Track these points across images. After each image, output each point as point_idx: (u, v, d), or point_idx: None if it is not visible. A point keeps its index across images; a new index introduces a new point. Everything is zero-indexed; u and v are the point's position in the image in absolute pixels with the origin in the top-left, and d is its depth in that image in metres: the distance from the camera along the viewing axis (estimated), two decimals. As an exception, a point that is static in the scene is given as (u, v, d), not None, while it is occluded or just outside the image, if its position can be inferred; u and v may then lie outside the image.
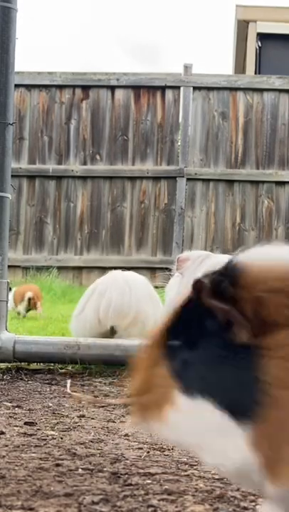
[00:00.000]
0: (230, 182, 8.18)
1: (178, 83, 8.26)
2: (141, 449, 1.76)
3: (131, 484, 1.44)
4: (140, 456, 1.68)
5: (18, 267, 8.10)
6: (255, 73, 11.58)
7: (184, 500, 1.34)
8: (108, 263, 8.06)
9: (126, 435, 1.92)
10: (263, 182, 8.15)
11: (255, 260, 0.93)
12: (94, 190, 8.27)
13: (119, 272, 3.21)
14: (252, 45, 11.85)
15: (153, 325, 2.92)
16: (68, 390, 2.59)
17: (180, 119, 8.34)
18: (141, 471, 1.55)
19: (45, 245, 8.24)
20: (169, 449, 1.77)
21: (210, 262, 2.37)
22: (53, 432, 1.91)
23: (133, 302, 2.92)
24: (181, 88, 8.26)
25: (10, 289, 3.76)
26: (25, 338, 3.12)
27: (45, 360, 2.85)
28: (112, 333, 2.92)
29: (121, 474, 1.51)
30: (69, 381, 2.64)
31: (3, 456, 1.63)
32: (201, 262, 2.38)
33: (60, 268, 8.01)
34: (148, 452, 1.72)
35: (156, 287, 8.62)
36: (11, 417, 2.12)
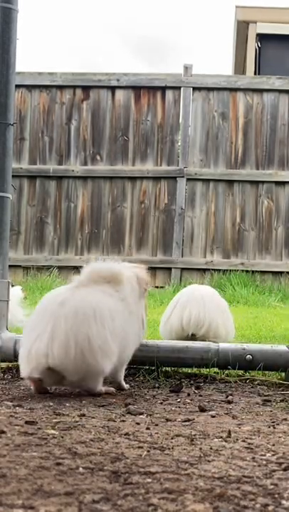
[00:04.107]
0: (230, 182, 8.18)
1: (178, 84, 8.26)
2: (141, 448, 1.77)
3: (131, 483, 1.45)
4: (140, 455, 1.68)
5: (19, 266, 8.10)
6: (255, 74, 11.58)
7: (184, 499, 1.35)
8: (108, 263, 8.05)
9: (126, 434, 1.92)
10: (263, 182, 8.15)
11: None
12: (94, 190, 8.27)
13: (196, 286, 3.93)
14: (252, 45, 11.85)
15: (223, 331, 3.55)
16: None
17: (180, 120, 8.35)
18: (141, 469, 1.55)
19: (45, 245, 8.25)
20: (169, 448, 1.77)
21: None
22: (53, 431, 1.91)
23: (207, 315, 3.60)
24: (181, 89, 8.27)
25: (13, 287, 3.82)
26: (25, 337, 3.12)
27: (46, 360, 2.84)
28: (192, 338, 3.53)
29: (121, 473, 1.52)
30: None
31: (4, 455, 1.63)
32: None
33: (60, 268, 8.02)
34: (148, 451, 1.73)
35: (156, 287, 8.58)
36: (11, 416, 2.13)
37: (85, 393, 2.60)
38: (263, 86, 8.24)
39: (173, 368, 3.09)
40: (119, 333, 2.58)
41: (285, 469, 1.62)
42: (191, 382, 2.98)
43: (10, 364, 3.05)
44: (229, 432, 1.98)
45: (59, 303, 2.51)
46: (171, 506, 1.31)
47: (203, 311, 3.61)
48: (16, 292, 4.58)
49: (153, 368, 3.01)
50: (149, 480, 1.47)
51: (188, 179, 8.20)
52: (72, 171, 8.27)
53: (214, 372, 3.07)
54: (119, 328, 2.58)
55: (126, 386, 2.74)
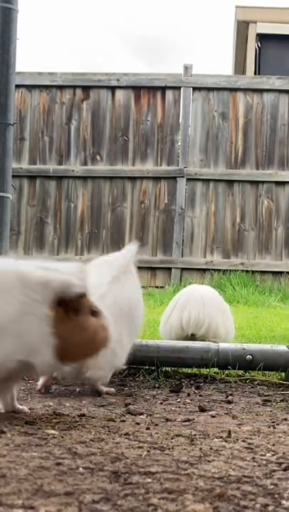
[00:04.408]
0: (230, 182, 8.18)
1: (178, 84, 8.26)
2: (141, 448, 1.77)
3: (131, 483, 1.45)
4: (140, 455, 1.68)
5: (19, 267, 8.10)
6: (255, 74, 11.59)
7: (184, 499, 1.35)
8: (108, 263, 8.05)
9: (126, 434, 1.92)
10: (263, 182, 8.16)
11: None
12: (94, 190, 8.27)
13: (196, 286, 3.94)
14: (252, 45, 11.85)
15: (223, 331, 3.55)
16: None
17: (180, 120, 8.35)
18: (141, 469, 1.55)
19: (45, 245, 8.25)
20: (169, 448, 1.77)
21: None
22: (53, 431, 1.91)
23: (206, 315, 3.60)
24: (181, 89, 8.27)
25: None
26: (25, 337, 3.12)
27: (46, 360, 2.84)
28: (191, 338, 3.55)
29: (121, 473, 1.52)
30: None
31: (4, 455, 1.63)
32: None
33: (60, 268, 8.01)
34: (148, 451, 1.73)
35: (156, 287, 8.58)
36: (11, 416, 2.12)
37: (85, 393, 2.60)
38: (263, 86, 8.24)
39: (173, 368, 3.09)
40: (138, 326, 2.73)
41: (285, 469, 1.62)
42: (191, 382, 2.98)
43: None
44: (229, 432, 1.98)
45: (99, 296, 2.56)
46: (171, 506, 1.31)
47: (203, 311, 3.62)
48: None
49: (153, 367, 3.01)
50: (149, 480, 1.47)
51: (188, 179, 8.20)
52: (72, 171, 8.27)
53: (214, 373, 3.07)
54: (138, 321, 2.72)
55: None
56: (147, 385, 2.88)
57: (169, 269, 8.12)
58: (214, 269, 8.06)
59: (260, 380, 3.00)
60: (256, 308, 6.36)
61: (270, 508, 1.33)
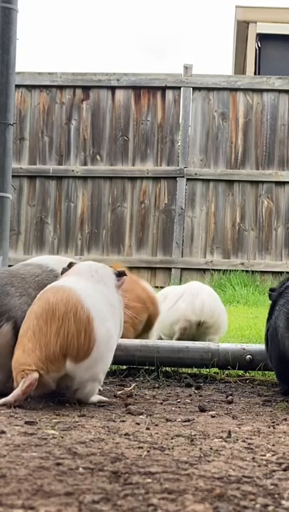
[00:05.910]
0: (230, 182, 8.18)
1: (178, 83, 8.26)
2: (141, 448, 1.76)
3: (131, 483, 1.45)
4: (140, 456, 1.68)
5: (19, 267, 8.10)
6: (255, 74, 11.58)
7: (184, 499, 1.35)
8: (108, 263, 8.04)
9: (126, 434, 1.92)
10: (263, 182, 8.15)
11: None
12: (94, 190, 8.27)
13: (198, 282, 4.08)
14: (252, 45, 11.84)
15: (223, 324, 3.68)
16: None
17: (180, 120, 8.35)
18: (141, 470, 1.55)
19: (45, 245, 8.25)
20: (169, 449, 1.77)
21: None
22: (53, 431, 1.91)
23: (217, 306, 3.74)
24: (181, 88, 8.27)
25: None
26: (25, 338, 3.11)
27: (46, 360, 2.84)
28: (198, 324, 3.62)
29: (121, 473, 1.52)
30: None
31: (4, 456, 1.63)
32: None
33: (60, 268, 8.00)
34: (148, 451, 1.73)
35: (156, 287, 8.62)
36: (11, 416, 2.12)
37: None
38: (263, 86, 8.24)
39: (173, 368, 3.09)
40: None
41: (285, 469, 1.62)
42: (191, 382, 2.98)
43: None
44: (229, 432, 1.98)
45: None
46: (171, 506, 1.31)
47: (214, 303, 3.76)
48: None
49: (153, 368, 3.01)
50: (149, 480, 1.47)
51: (188, 179, 8.20)
52: (72, 171, 8.27)
53: (214, 373, 3.07)
54: None
55: None
56: (147, 385, 2.88)
57: (169, 269, 8.12)
58: (214, 269, 8.06)
59: (260, 380, 3.00)
60: (256, 309, 6.36)
61: (270, 508, 1.33)
